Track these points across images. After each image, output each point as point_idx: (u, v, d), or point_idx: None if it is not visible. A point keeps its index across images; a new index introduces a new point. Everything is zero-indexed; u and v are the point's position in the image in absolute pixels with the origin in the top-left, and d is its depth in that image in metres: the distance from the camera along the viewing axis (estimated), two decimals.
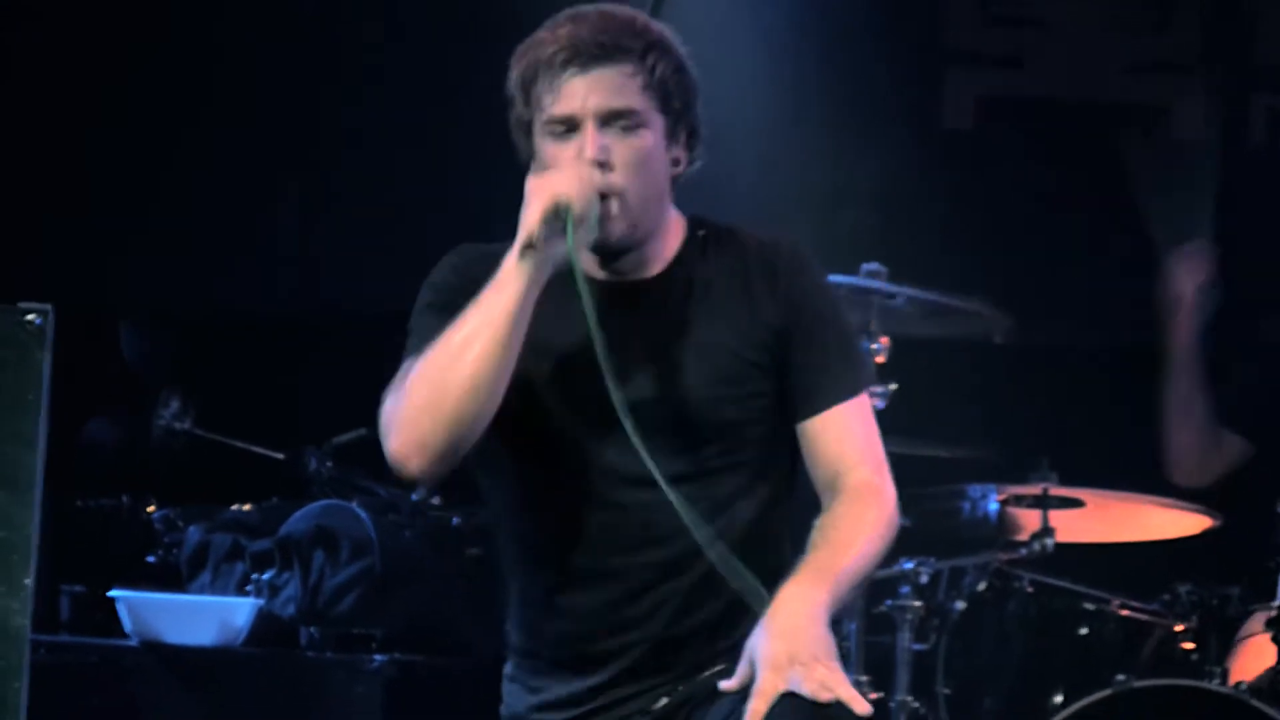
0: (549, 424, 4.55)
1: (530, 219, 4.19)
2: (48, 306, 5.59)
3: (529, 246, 4.23)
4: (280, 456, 7.85)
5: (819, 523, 4.39)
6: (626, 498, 4.48)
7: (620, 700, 4.45)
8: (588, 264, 4.43)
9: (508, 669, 4.63)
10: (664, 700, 4.43)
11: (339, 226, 9.24)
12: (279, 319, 9.10)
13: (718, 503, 4.44)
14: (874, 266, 7.06)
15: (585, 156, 4.33)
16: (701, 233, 4.61)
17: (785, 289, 4.58)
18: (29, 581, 5.34)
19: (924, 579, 7.35)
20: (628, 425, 4.30)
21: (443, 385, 4.40)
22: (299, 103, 9.30)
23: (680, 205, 4.60)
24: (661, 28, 4.53)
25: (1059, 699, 7.08)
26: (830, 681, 3.98)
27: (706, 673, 4.41)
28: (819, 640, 4.11)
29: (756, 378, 4.50)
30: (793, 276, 4.57)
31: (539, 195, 4.20)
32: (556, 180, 4.27)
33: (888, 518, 4.48)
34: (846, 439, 4.57)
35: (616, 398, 4.30)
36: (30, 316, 5.74)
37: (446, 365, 4.40)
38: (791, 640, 4.15)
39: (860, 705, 3.97)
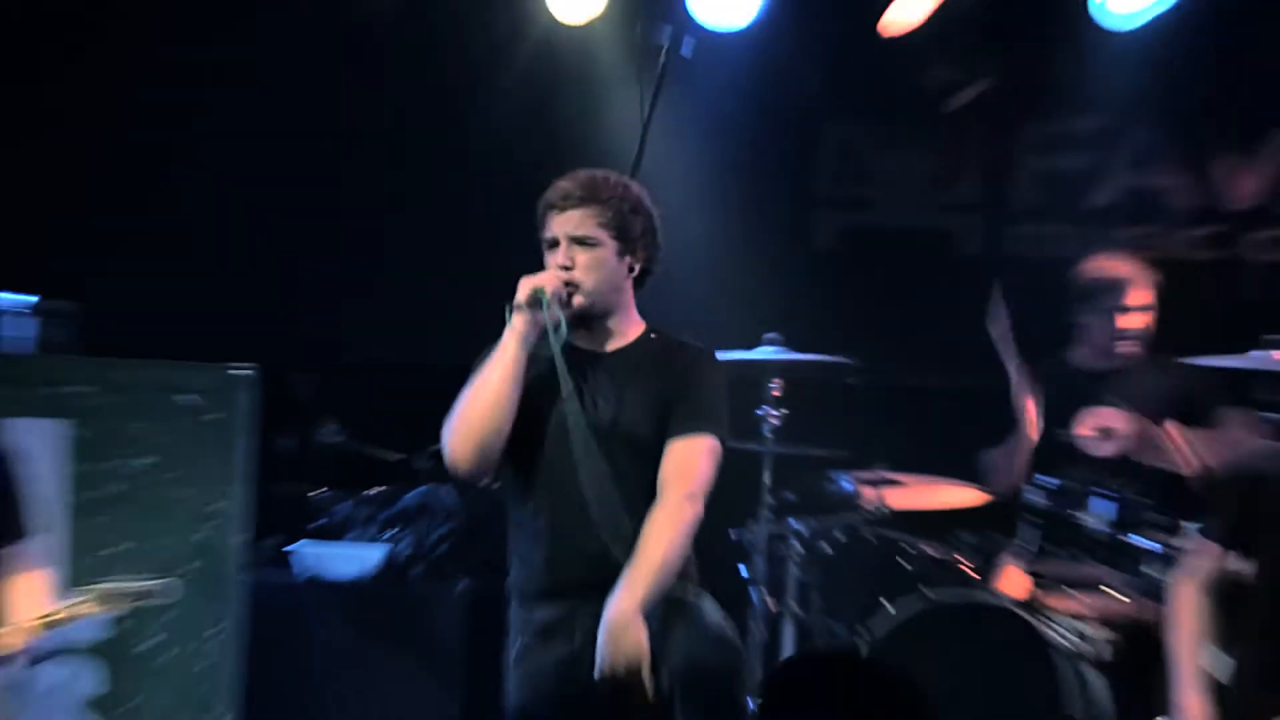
0: (537, 440, 5.55)
1: (517, 297, 5.27)
2: (253, 367, 7.35)
3: (515, 311, 5.27)
4: (400, 457, 8.87)
5: (646, 524, 5.43)
6: (582, 486, 5.47)
7: (574, 607, 5.46)
8: (589, 325, 5.51)
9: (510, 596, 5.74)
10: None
11: (430, 300, 9.60)
12: (393, 366, 9.57)
13: (630, 480, 5.46)
14: (774, 335, 7.88)
15: (557, 262, 5.39)
16: (652, 335, 5.64)
17: (681, 371, 5.59)
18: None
19: (806, 533, 8.05)
20: (584, 430, 5.43)
21: (467, 418, 5.45)
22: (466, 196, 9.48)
23: (646, 297, 5.64)
24: (627, 183, 5.63)
25: (890, 607, 7.49)
26: (622, 611, 5.29)
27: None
28: (626, 602, 5.31)
29: (655, 421, 5.51)
30: (688, 366, 5.60)
31: (523, 284, 5.27)
32: (539, 276, 5.34)
33: (686, 526, 5.44)
34: (681, 463, 5.54)
35: (579, 412, 5.44)
36: (240, 373, 7.33)
37: (469, 404, 5.46)
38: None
39: (615, 617, 5.31)
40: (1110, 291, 7.55)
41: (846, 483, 8.28)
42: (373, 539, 8.50)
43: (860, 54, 9.40)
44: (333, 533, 8.64)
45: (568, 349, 5.56)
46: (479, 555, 8.28)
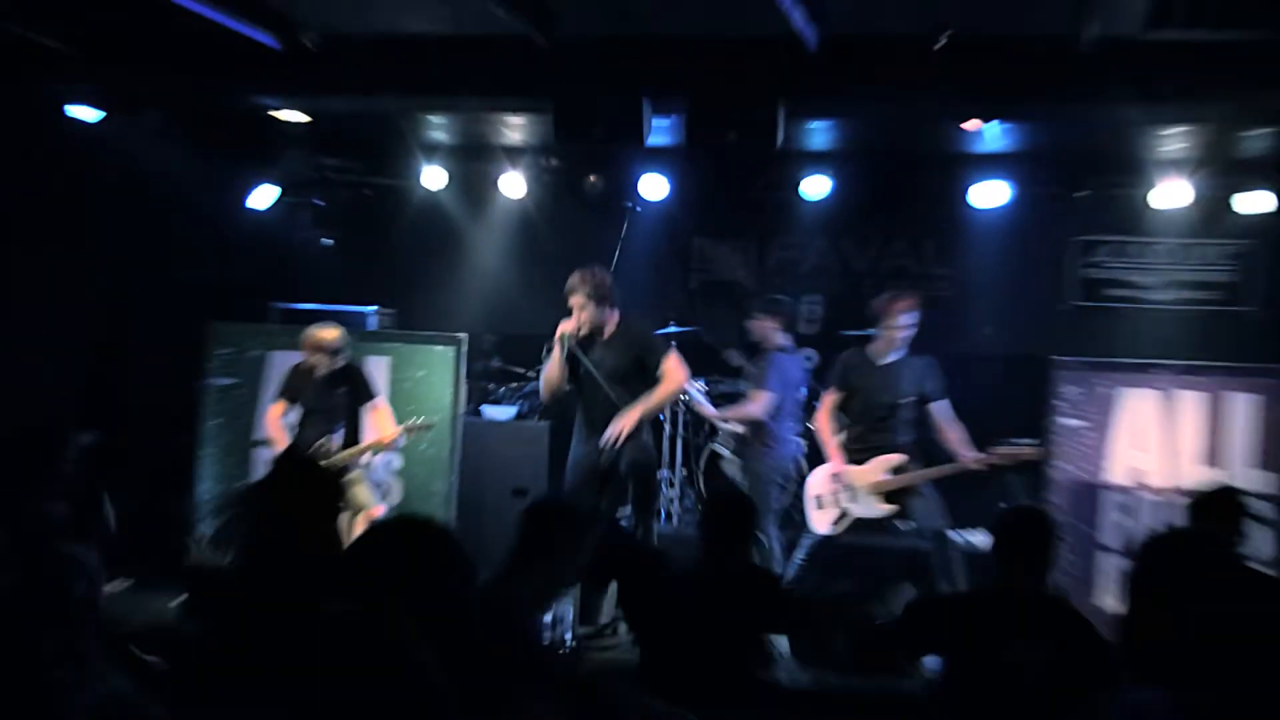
0: (581, 378, 8.81)
1: (557, 333, 8.71)
2: (462, 336, 10.55)
3: (556, 341, 8.72)
4: (523, 370, 12.18)
5: (654, 388, 8.58)
6: (600, 392, 8.68)
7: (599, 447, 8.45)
8: (592, 333, 8.63)
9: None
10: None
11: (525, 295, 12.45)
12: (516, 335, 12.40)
13: (623, 394, 8.66)
14: (671, 320, 11.34)
15: (573, 317, 8.69)
16: (623, 322, 8.84)
17: (636, 337, 8.85)
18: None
19: (683, 473, 11.22)
20: (596, 376, 8.63)
21: (547, 381, 8.94)
22: None
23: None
24: (594, 274, 8.76)
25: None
26: (621, 426, 8.56)
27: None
28: (629, 417, 8.53)
29: (633, 362, 8.75)
30: (638, 337, 8.84)
31: (560, 328, 8.73)
32: (564, 323, 8.75)
33: (676, 387, 8.79)
34: (667, 366, 8.74)
35: (591, 370, 8.66)
36: (457, 338, 10.44)
37: (546, 376, 8.94)
38: (620, 418, 8.47)
39: (614, 430, 8.52)
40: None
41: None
42: (510, 403, 11.88)
43: (715, 206, 12.68)
44: (495, 401, 11.99)
45: (590, 338, 8.81)
46: (557, 413, 10.74)
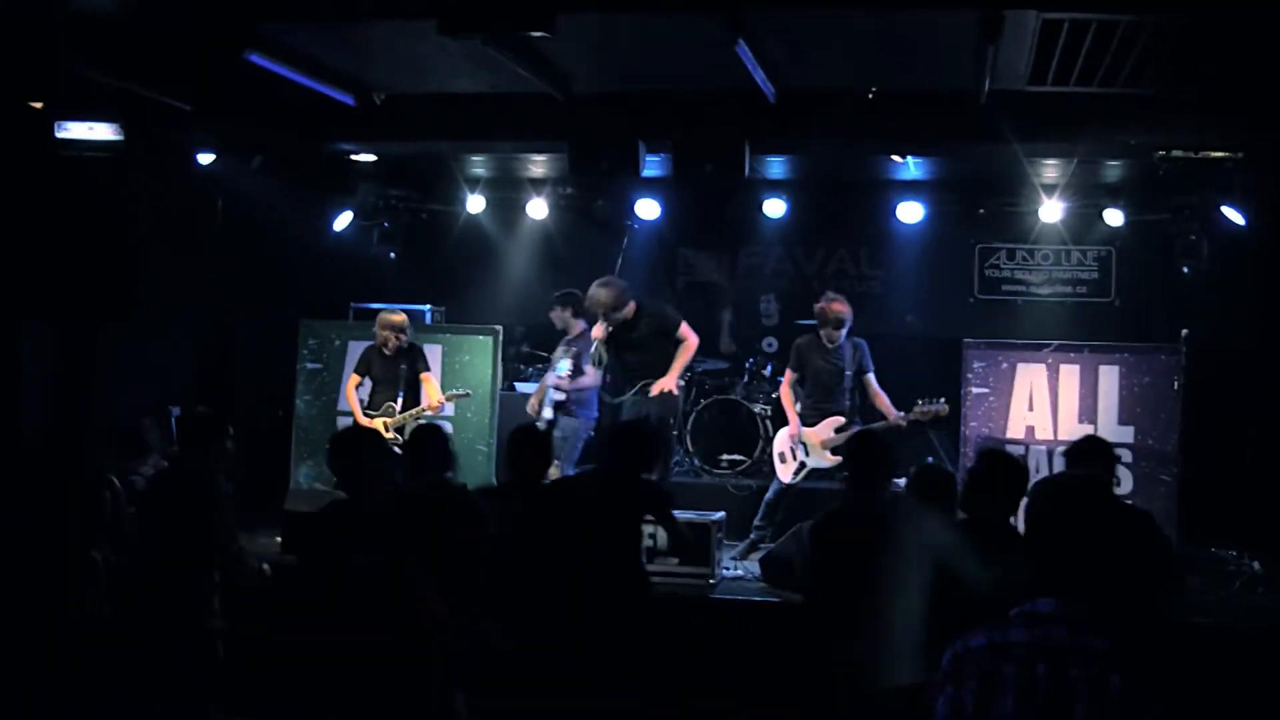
0: (621, 353, 9.18)
1: (593, 335, 9.21)
2: (498, 327, 10.73)
3: (598, 344, 9.24)
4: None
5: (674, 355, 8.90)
6: (632, 358, 9.08)
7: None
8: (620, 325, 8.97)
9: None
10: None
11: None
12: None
13: (648, 359, 9.06)
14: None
15: (600, 324, 9.11)
16: (641, 308, 9.13)
17: (653, 316, 9.13)
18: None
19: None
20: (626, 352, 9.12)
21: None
22: None
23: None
24: (608, 292, 9.02)
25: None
26: (663, 384, 8.95)
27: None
28: (669, 378, 8.93)
29: (654, 334, 9.07)
30: (655, 315, 9.11)
31: (593, 333, 9.21)
32: (595, 329, 9.17)
33: (692, 348, 9.10)
34: (683, 331, 9.07)
35: (615, 356, 9.20)
36: (494, 329, 10.61)
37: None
38: (663, 379, 8.88)
39: (657, 388, 8.89)
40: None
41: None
42: (537, 380, 11.10)
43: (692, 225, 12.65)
44: (526, 379, 11.74)
45: (620, 327, 9.09)
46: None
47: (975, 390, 9.85)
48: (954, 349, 10.08)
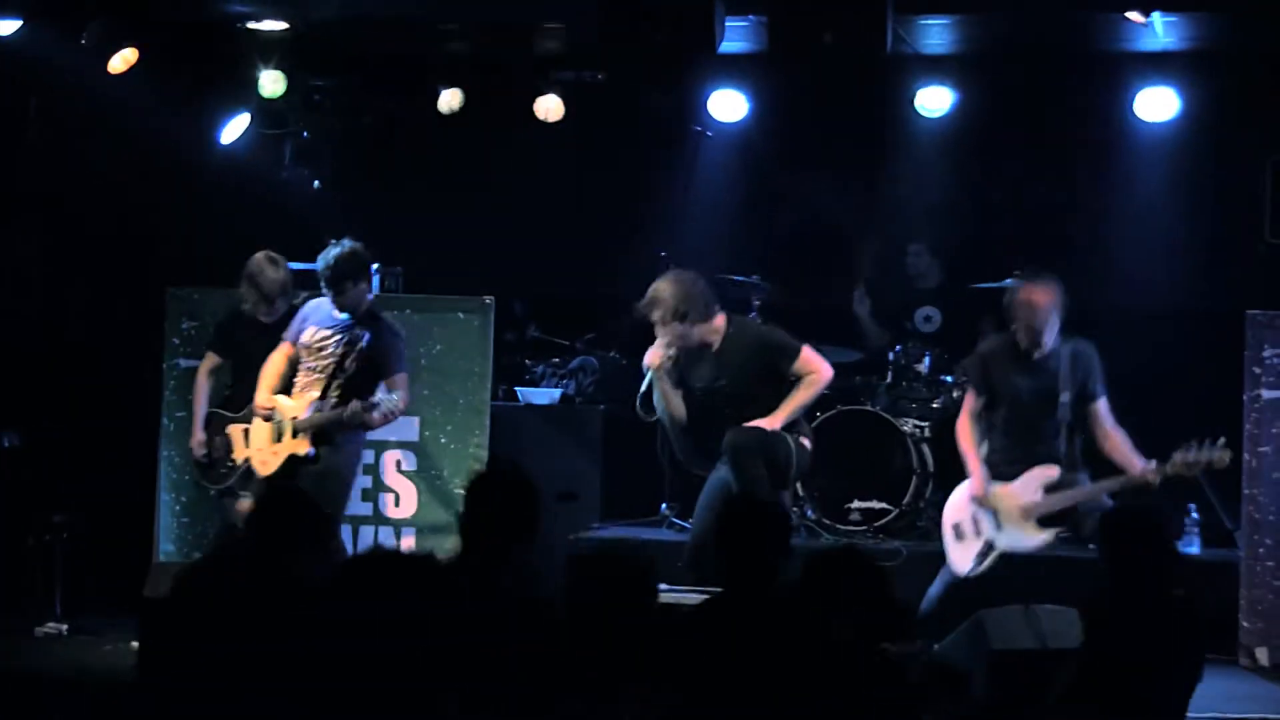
0: (698, 406, 9.45)
1: (644, 365, 9.43)
2: (491, 298, 10.92)
3: (649, 376, 9.40)
4: (568, 343, 12.65)
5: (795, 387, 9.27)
6: (723, 420, 9.33)
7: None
8: (695, 351, 9.30)
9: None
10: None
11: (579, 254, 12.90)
12: (563, 298, 13.02)
13: (736, 412, 9.33)
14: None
15: (658, 342, 9.32)
16: (733, 327, 9.39)
17: (754, 342, 9.42)
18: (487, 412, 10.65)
19: None
20: (715, 402, 9.37)
21: (670, 416, 9.63)
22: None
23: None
24: (674, 286, 9.33)
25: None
26: (763, 425, 9.20)
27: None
28: (769, 426, 9.21)
29: (760, 375, 9.40)
30: (757, 339, 9.45)
31: (647, 360, 9.44)
32: (650, 353, 9.41)
33: (821, 384, 9.43)
34: (804, 363, 9.36)
35: (707, 396, 9.43)
36: (486, 301, 10.88)
37: (665, 407, 9.60)
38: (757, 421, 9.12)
39: (759, 429, 9.17)
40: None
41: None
42: (552, 384, 12.34)
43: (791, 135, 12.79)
44: (533, 382, 12.45)
45: (696, 357, 9.48)
46: (608, 394, 12.02)
47: (1268, 394, 9.87)
48: (1232, 327, 10.10)
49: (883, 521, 11.22)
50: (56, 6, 10.50)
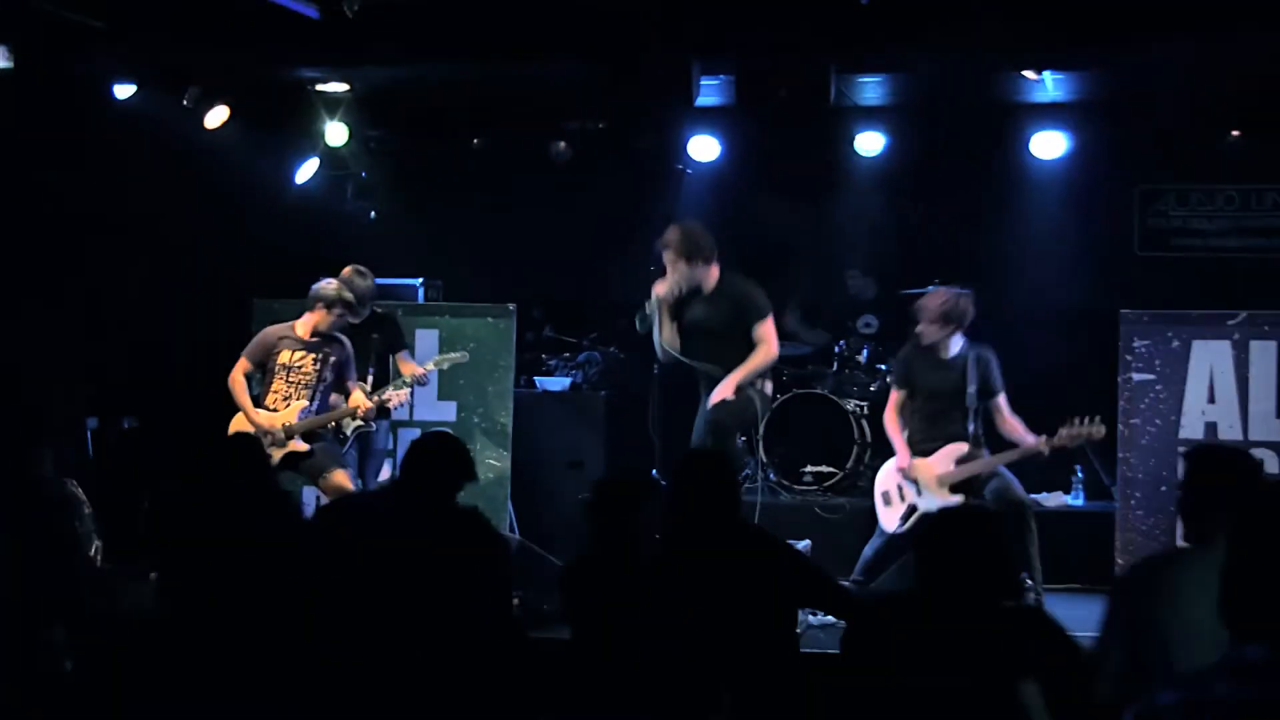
0: (686, 336, 9.30)
1: (652, 295, 9.18)
2: (514, 305, 10.91)
3: (654, 303, 9.19)
4: (575, 340, 12.55)
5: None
6: (700, 350, 9.23)
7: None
8: (693, 290, 9.08)
9: None
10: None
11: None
12: (571, 300, 12.93)
13: (722, 351, 9.17)
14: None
15: (667, 277, 9.14)
16: (725, 278, 9.21)
17: (736, 294, 9.21)
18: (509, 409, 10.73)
19: None
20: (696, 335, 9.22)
21: (662, 343, 9.25)
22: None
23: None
24: (686, 231, 9.19)
25: None
26: (721, 392, 9.01)
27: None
28: (726, 385, 8.94)
29: (732, 319, 9.14)
30: (739, 294, 9.20)
31: (655, 289, 9.20)
32: (658, 284, 9.19)
33: (768, 358, 9.19)
34: (760, 332, 9.17)
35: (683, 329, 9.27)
36: (508, 308, 10.83)
37: (659, 336, 9.27)
38: (720, 387, 8.92)
39: (715, 397, 8.95)
40: None
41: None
42: (563, 374, 12.16)
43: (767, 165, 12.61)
44: (548, 372, 12.25)
45: (692, 295, 9.22)
46: (611, 382, 11.91)
47: (1137, 377, 9.96)
48: (1108, 323, 10.23)
49: (830, 482, 11.38)
50: (164, 73, 10.52)
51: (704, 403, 9.27)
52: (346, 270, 10.07)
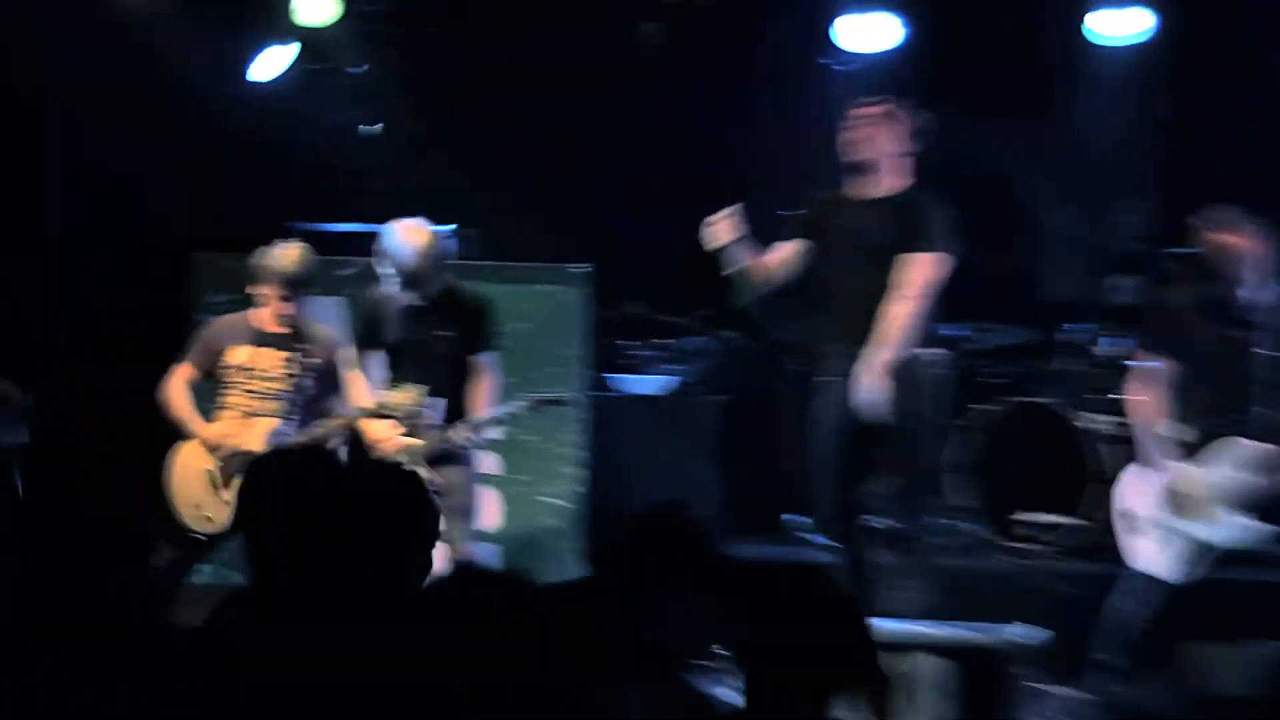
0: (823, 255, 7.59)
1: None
2: (589, 265, 9.68)
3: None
4: (679, 319, 10.77)
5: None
6: (843, 278, 7.44)
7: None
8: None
9: None
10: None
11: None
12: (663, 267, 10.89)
13: (873, 284, 7.31)
14: None
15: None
16: (911, 189, 7.51)
17: (913, 204, 7.42)
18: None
19: None
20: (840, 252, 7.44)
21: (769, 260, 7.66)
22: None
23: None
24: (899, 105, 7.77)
25: None
26: (870, 372, 7.15)
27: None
28: (879, 360, 7.09)
29: (896, 238, 7.31)
30: (921, 202, 7.44)
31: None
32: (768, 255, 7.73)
33: (928, 286, 7.31)
34: (928, 260, 7.44)
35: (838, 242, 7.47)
36: (579, 270, 9.69)
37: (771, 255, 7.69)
38: (869, 365, 7.13)
39: (865, 376, 7.15)
40: None
41: None
42: (660, 370, 10.68)
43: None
44: (636, 367, 10.80)
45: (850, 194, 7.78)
46: (731, 383, 10.53)
47: None
48: None
49: (1060, 535, 9.52)
50: None
51: (833, 389, 7.70)
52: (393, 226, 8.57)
